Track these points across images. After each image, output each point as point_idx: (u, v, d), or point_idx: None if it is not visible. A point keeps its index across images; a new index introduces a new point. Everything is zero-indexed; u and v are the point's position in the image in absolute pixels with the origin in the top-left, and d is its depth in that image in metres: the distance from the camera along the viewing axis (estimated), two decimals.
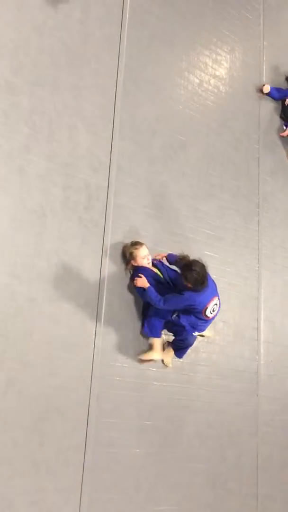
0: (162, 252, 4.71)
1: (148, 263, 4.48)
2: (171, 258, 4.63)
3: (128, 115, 4.92)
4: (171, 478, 4.62)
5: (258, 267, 5.80)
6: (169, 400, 4.71)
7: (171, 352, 4.70)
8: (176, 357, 4.74)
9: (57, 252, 4.19)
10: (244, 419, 5.30)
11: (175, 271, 4.58)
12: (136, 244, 4.48)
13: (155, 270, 4.53)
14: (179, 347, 4.66)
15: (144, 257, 4.43)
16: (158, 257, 4.65)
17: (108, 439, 4.25)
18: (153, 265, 4.54)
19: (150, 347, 4.57)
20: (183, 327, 4.42)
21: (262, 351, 5.61)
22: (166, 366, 4.72)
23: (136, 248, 4.44)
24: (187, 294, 4.24)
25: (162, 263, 4.63)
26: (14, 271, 3.94)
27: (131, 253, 4.44)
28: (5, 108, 4.10)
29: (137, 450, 4.43)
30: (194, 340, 4.65)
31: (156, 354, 4.56)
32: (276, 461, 5.53)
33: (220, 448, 5.04)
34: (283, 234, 6.21)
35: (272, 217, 6.12)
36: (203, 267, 4.19)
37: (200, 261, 4.22)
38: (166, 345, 4.71)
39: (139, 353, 4.54)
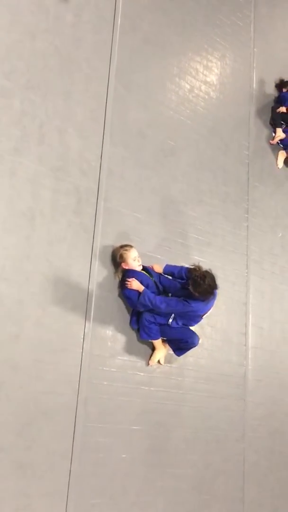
0: (157, 264, 4.76)
1: (139, 265, 4.49)
2: (168, 270, 4.67)
3: (119, 119, 4.93)
4: (158, 483, 4.62)
5: (246, 272, 5.83)
6: (156, 405, 4.71)
7: (166, 349, 4.73)
8: (175, 355, 4.78)
9: (46, 256, 4.18)
10: (231, 424, 5.31)
11: (169, 279, 4.65)
12: (126, 246, 4.50)
13: (145, 273, 4.54)
14: (182, 348, 4.68)
15: (134, 258, 4.44)
16: (154, 269, 4.69)
17: (95, 444, 4.24)
18: (143, 268, 4.56)
19: (153, 349, 4.67)
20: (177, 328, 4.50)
21: (250, 356, 5.63)
22: (160, 364, 4.75)
23: (126, 250, 4.45)
24: (193, 303, 4.34)
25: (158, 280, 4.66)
26: (2, 273, 3.92)
27: (121, 255, 4.44)
28: None
29: (124, 455, 4.42)
30: (198, 340, 4.64)
31: (161, 352, 4.67)
32: (262, 466, 5.54)
33: (207, 453, 5.05)
34: (271, 240, 6.26)
35: (261, 223, 6.16)
36: (214, 279, 4.30)
37: (211, 272, 4.31)
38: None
39: (129, 357, 4.55)
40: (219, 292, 5.38)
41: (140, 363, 4.66)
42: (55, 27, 4.59)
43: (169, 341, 4.71)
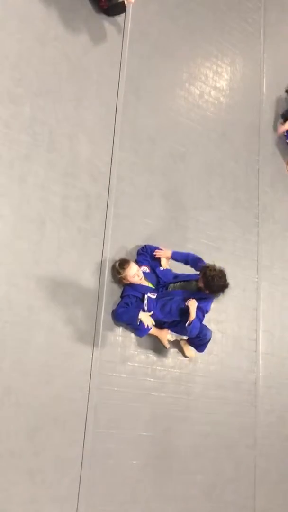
0: (162, 251, 4.70)
1: (140, 279, 4.46)
2: (177, 257, 4.70)
3: (129, 125, 4.94)
4: (168, 490, 4.59)
5: (257, 278, 5.80)
6: (167, 411, 4.69)
7: (189, 347, 4.78)
8: (198, 352, 4.82)
9: (56, 261, 4.19)
10: (242, 431, 5.27)
11: (171, 272, 4.69)
12: (123, 264, 4.42)
13: (147, 283, 4.53)
14: (200, 344, 4.67)
15: (134, 275, 4.40)
16: (160, 256, 4.67)
17: (105, 450, 4.22)
18: (146, 274, 4.56)
19: (158, 338, 4.67)
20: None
21: (260, 362, 5.59)
22: (191, 359, 4.85)
23: (124, 269, 4.38)
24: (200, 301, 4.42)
25: (152, 271, 4.63)
26: (12, 279, 3.94)
27: (120, 278, 4.41)
28: (6, 117, 4.12)
29: (134, 462, 4.40)
30: (211, 333, 4.64)
31: (163, 334, 4.65)
32: (273, 473, 5.49)
33: (218, 460, 5.01)
34: (282, 245, 6.22)
35: (271, 228, 6.13)
36: (226, 277, 4.42)
37: (223, 271, 4.41)
38: (183, 343, 4.79)
39: (139, 363, 4.54)
40: (229, 298, 5.38)
41: (150, 369, 4.64)
42: (65, 34, 4.62)
43: (188, 340, 4.72)
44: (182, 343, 4.83)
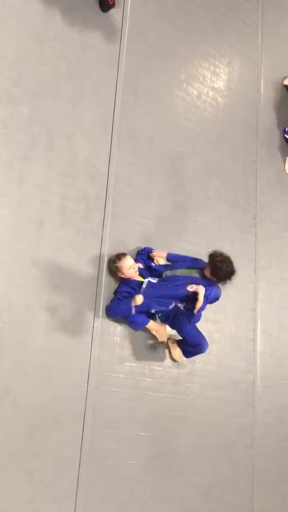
0: (157, 252, 4.71)
1: (135, 272, 4.45)
2: (172, 257, 4.69)
3: (127, 126, 4.95)
4: (167, 490, 4.59)
5: (255, 278, 5.81)
6: (164, 411, 4.69)
7: (177, 348, 4.69)
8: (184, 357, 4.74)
9: (54, 261, 4.19)
10: (240, 431, 5.28)
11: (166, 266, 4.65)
12: (119, 256, 4.43)
13: (141, 278, 4.52)
14: (190, 352, 4.61)
15: (129, 267, 4.39)
16: (155, 257, 4.65)
17: (103, 450, 4.22)
18: (140, 270, 4.54)
19: (153, 335, 4.57)
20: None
21: (258, 362, 5.59)
22: (178, 362, 4.72)
23: (119, 259, 4.39)
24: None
25: (148, 267, 4.61)
26: (10, 279, 3.94)
27: (116, 266, 4.40)
28: (4, 118, 4.12)
29: (133, 462, 4.40)
30: (207, 347, 4.54)
31: (161, 329, 4.55)
32: (271, 473, 5.49)
33: (216, 460, 5.01)
34: (280, 245, 6.23)
35: (269, 228, 6.14)
36: (233, 265, 4.45)
37: (230, 258, 4.45)
38: (171, 342, 4.70)
39: (137, 363, 4.54)
40: (227, 298, 5.39)
41: (148, 369, 4.65)
42: (64, 35, 4.62)
43: (179, 342, 4.68)
44: (170, 342, 4.73)
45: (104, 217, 4.58)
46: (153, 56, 5.35)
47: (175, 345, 4.72)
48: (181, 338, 4.59)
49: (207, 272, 4.45)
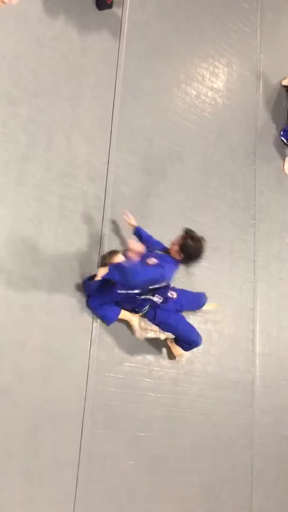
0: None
1: None
2: (139, 232, 4.53)
3: (126, 126, 4.94)
4: (166, 490, 4.59)
5: (254, 278, 5.81)
6: (163, 412, 4.69)
7: (176, 346, 4.69)
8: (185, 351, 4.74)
9: (53, 261, 4.18)
10: (239, 431, 5.28)
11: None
12: (111, 253, 4.37)
13: None
14: (188, 346, 4.62)
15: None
16: (128, 222, 4.51)
17: (102, 451, 4.22)
18: None
19: (131, 326, 4.48)
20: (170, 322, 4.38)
21: (257, 362, 5.60)
22: (180, 358, 4.74)
23: (110, 256, 4.31)
24: (167, 265, 4.07)
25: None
26: (9, 279, 3.93)
27: (105, 263, 4.28)
28: (3, 117, 4.11)
29: (131, 462, 4.40)
30: (201, 339, 4.56)
31: (134, 319, 4.44)
32: (271, 473, 5.50)
33: (215, 460, 5.01)
34: (279, 245, 6.23)
35: (268, 228, 6.14)
36: (203, 246, 4.17)
37: (203, 239, 4.18)
38: (170, 341, 4.72)
39: (136, 363, 4.54)
40: (226, 298, 5.39)
41: (147, 369, 4.65)
42: (63, 35, 4.62)
43: (174, 339, 4.67)
44: (169, 341, 4.75)
45: (103, 217, 4.58)
46: (152, 57, 5.35)
47: (174, 343, 4.74)
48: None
49: (175, 247, 4.13)
